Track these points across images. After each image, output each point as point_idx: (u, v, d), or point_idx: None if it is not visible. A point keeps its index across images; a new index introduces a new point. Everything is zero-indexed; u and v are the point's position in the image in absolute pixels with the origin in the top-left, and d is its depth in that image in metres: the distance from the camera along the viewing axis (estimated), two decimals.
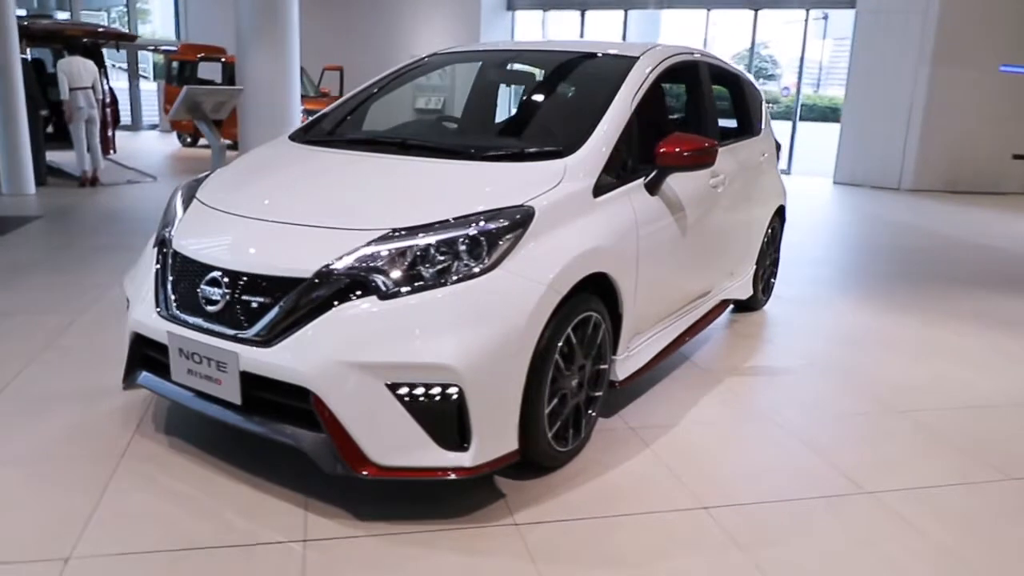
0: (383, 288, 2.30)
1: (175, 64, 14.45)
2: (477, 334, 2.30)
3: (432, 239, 2.38)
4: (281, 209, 2.63)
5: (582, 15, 16.52)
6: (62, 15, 17.83)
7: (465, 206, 2.51)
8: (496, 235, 2.43)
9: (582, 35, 16.36)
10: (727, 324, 4.74)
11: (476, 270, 2.37)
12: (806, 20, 14.53)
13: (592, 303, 2.76)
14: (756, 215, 4.56)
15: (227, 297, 2.44)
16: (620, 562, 2.26)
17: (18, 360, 3.59)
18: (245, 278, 2.43)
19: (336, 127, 3.58)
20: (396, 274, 2.32)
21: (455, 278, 2.34)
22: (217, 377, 2.44)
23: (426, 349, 2.25)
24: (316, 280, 2.33)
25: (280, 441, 2.37)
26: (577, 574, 2.19)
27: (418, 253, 2.36)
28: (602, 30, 16.79)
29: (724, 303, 4.35)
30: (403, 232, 2.40)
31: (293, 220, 2.54)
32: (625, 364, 3.13)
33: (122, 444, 2.82)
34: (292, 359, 2.28)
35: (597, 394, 2.95)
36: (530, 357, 2.42)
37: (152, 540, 2.26)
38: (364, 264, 2.33)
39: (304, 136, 3.44)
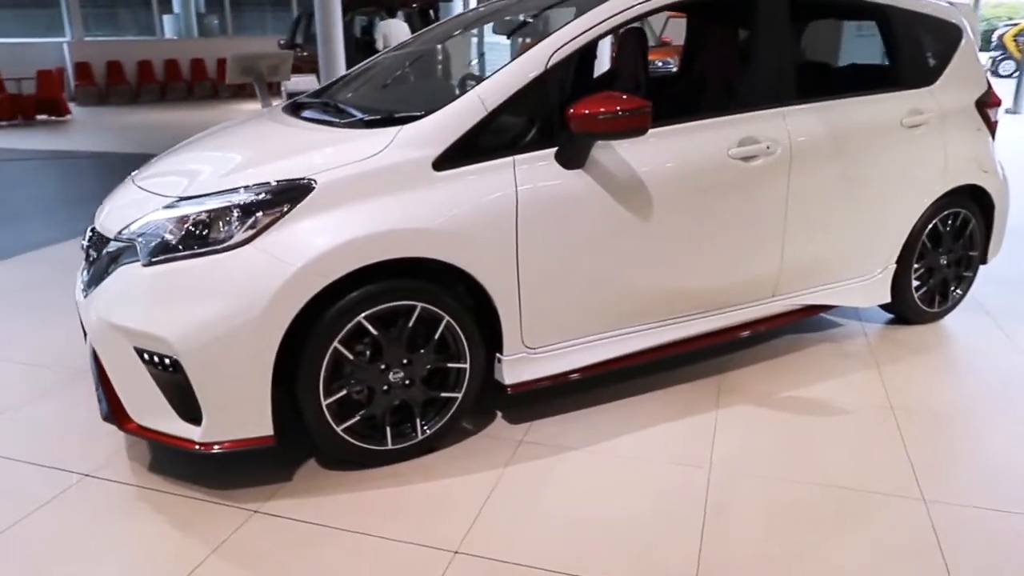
0: (145, 255, 2.34)
1: None
2: (204, 310, 2.22)
3: (194, 210, 2.34)
4: (153, 177, 2.78)
5: None
6: None
7: (251, 177, 2.39)
8: (251, 210, 2.29)
9: None
10: (844, 335, 3.64)
11: (222, 245, 2.27)
12: None
13: (420, 292, 2.44)
14: (893, 196, 3.37)
15: (88, 252, 2.72)
16: None
17: None
18: (93, 236, 2.68)
19: (338, 92, 3.53)
20: (162, 242, 2.33)
21: (203, 251, 2.28)
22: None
23: (150, 319, 2.25)
24: (115, 242, 2.48)
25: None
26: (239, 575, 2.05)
27: (186, 224, 2.33)
28: None
29: (813, 308, 3.37)
30: (184, 201, 2.40)
31: (147, 186, 2.68)
32: (516, 368, 2.68)
33: None
34: (87, 312, 2.48)
35: (451, 395, 2.60)
36: (277, 341, 2.25)
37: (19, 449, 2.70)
38: (145, 231, 2.39)
39: (298, 102, 3.48)
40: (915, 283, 3.65)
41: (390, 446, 2.54)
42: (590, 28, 2.68)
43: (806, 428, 2.83)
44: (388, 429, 2.53)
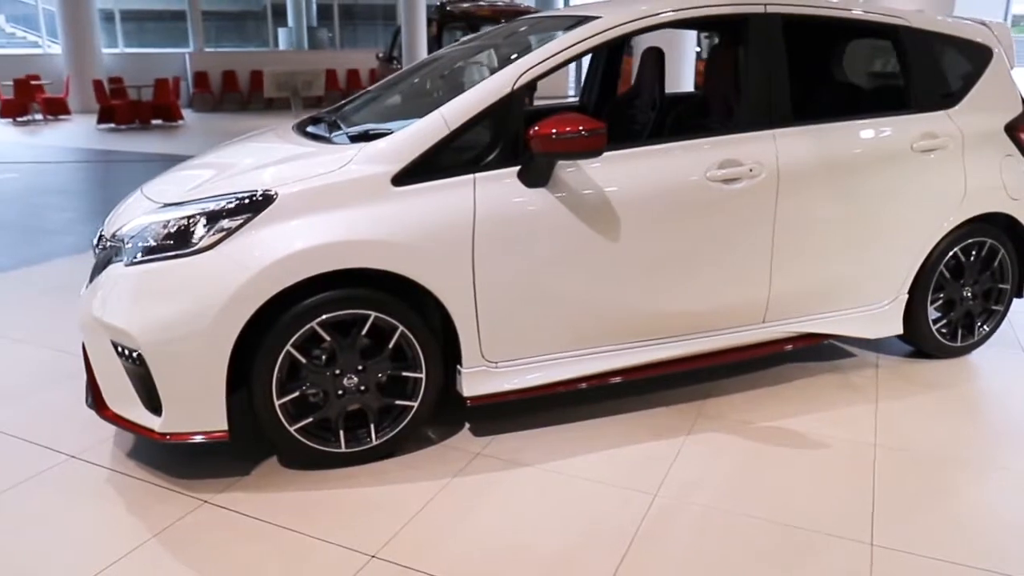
0: (129, 255, 2.54)
1: None
2: (167, 308, 2.40)
3: (174, 216, 2.52)
4: (156, 184, 3.00)
5: None
6: None
7: (225, 187, 2.56)
8: (219, 217, 2.45)
9: None
10: (853, 366, 3.47)
11: (189, 249, 2.44)
12: None
13: (374, 301, 2.53)
14: (900, 222, 3.21)
15: (95, 251, 2.97)
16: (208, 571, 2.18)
17: None
18: (101, 237, 2.92)
19: (354, 108, 3.65)
20: (144, 244, 2.53)
21: (174, 254, 2.46)
22: None
23: (122, 314, 2.45)
24: (110, 242, 2.70)
25: None
26: (166, 562, 2.20)
27: (167, 228, 2.52)
28: None
29: (815, 337, 3.25)
30: (167, 207, 2.59)
31: (148, 193, 2.89)
32: (476, 380, 2.73)
33: None
34: (81, 307, 2.72)
35: (407, 403, 2.67)
36: (232, 341, 2.40)
37: (24, 428, 2.99)
38: (133, 233, 2.60)
39: (315, 117, 3.63)
40: (935, 315, 3.46)
41: (343, 449, 2.65)
42: (559, 52, 2.72)
43: (775, 460, 2.74)
44: (342, 432, 2.64)
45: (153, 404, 2.49)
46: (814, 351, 3.60)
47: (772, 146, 2.93)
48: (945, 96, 3.30)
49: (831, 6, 3.14)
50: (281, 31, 18.87)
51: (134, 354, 2.46)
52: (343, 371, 2.58)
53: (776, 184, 2.93)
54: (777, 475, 2.65)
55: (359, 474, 2.65)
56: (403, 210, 2.53)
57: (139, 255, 2.51)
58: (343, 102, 3.79)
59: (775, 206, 2.95)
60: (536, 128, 2.54)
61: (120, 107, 12.91)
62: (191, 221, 2.49)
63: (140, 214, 2.66)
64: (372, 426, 2.66)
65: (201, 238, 2.44)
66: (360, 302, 2.53)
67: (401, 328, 2.58)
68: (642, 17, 2.84)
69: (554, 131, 2.52)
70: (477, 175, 2.61)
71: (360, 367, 2.60)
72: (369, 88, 3.87)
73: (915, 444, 2.85)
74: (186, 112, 14.69)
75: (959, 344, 3.53)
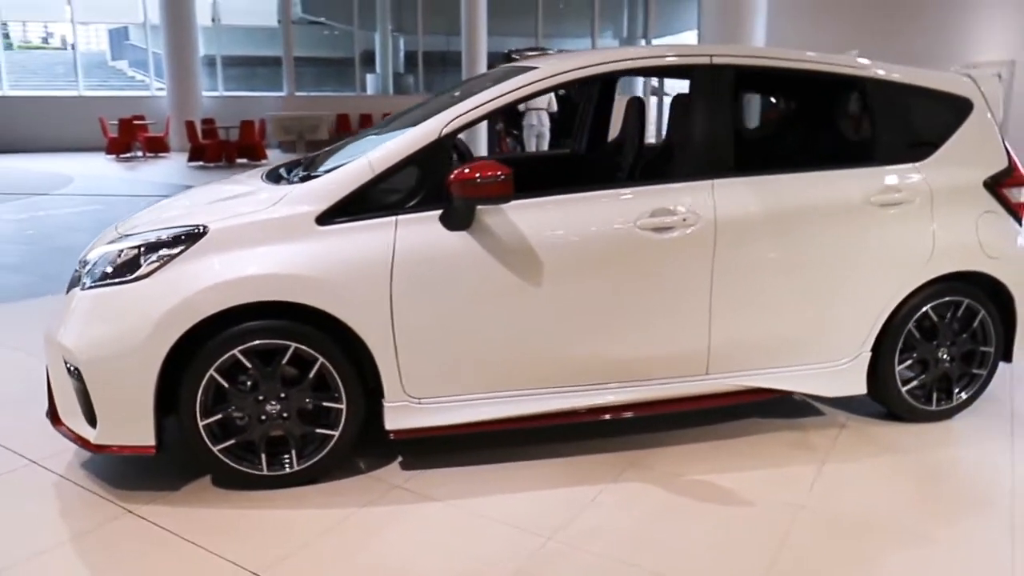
0: (87, 280, 2.79)
1: None
2: (106, 329, 2.62)
3: (125, 246, 2.76)
4: (130, 219, 3.24)
5: None
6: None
7: (168, 222, 2.78)
8: (157, 248, 2.67)
9: None
10: (816, 425, 3.34)
11: (131, 276, 2.66)
12: None
13: (294, 333, 2.67)
14: (856, 278, 3.11)
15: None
16: None
17: None
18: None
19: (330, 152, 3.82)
20: (98, 270, 2.78)
21: (119, 281, 2.68)
22: None
23: (70, 333, 2.69)
24: (79, 268, 2.97)
25: None
26: (71, 565, 2.37)
27: (120, 257, 2.76)
28: None
29: (771, 392, 3.16)
30: (122, 238, 2.84)
31: (119, 226, 3.15)
32: (399, 415, 2.82)
33: None
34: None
35: (328, 432, 2.78)
36: (159, 362, 2.58)
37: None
38: (95, 260, 2.85)
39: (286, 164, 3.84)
40: (907, 375, 3.30)
41: (265, 472, 2.77)
42: (488, 101, 2.84)
43: (687, 514, 2.68)
44: (264, 456, 2.77)
45: (91, 417, 2.70)
46: (778, 407, 3.50)
47: (710, 196, 2.93)
48: (913, 149, 3.19)
49: (785, 57, 3.11)
50: (369, 77, 19.90)
51: (76, 370, 2.68)
52: (266, 397, 2.72)
53: (713, 234, 2.91)
54: (683, 529, 2.59)
55: (279, 497, 2.76)
56: (325, 248, 2.67)
57: (94, 280, 2.74)
58: (328, 148, 4.02)
59: (712, 257, 2.93)
60: (455, 174, 2.65)
61: (210, 146, 13.85)
62: (139, 251, 2.71)
63: (104, 243, 2.91)
64: (294, 452, 2.79)
65: (142, 267, 2.66)
66: (280, 333, 2.67)
67: (321, 360, 2.71)
68: (578, 68, 2.92)
69: (477, 176, 2.62)
70: (399, 217, 2.73)
71: (282, 395, 2.73)
72: (354, 133, 4.10)
73: (845, 511, 2.72)
74: (274, 152, 15.59)
75: (935, 408, 3.35)
